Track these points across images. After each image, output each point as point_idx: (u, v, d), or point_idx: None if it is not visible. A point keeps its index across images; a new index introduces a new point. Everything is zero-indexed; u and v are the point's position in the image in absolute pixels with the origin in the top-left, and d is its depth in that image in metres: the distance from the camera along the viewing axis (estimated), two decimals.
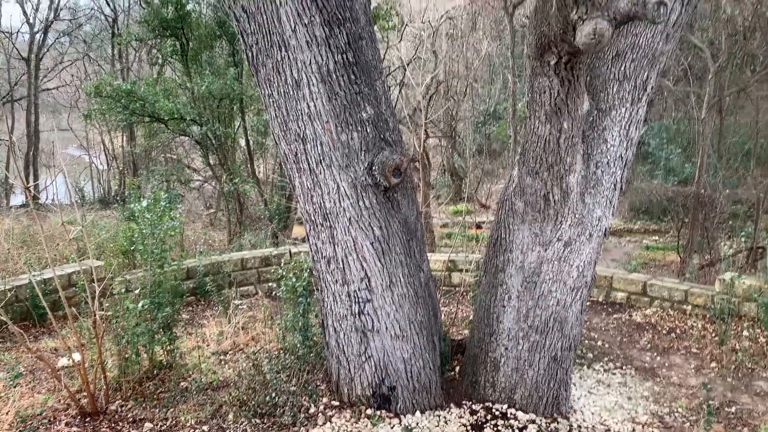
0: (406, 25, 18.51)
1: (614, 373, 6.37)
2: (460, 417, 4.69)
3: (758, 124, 16.08)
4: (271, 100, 4.13)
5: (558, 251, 4.55)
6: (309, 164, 4.15)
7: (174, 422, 4.68)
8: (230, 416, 4.69)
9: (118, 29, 19.31)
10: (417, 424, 4.58)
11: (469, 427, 4.60)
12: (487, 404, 4.86)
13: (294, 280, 6.08)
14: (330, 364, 4.84)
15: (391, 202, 4.27)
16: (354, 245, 4.26)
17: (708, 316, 7.88)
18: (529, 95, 4.03)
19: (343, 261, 4.34)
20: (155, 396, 5.10)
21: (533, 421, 4.75)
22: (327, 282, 4.52)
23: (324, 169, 4.12)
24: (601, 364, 6.58)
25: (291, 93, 3.98)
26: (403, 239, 4.38)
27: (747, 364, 6.44)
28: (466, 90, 21.07)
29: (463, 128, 23.03)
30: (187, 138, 16.74)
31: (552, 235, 4.52)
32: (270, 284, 9.36)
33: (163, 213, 5.86)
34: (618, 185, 4.59)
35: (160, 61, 16.69)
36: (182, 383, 5.38)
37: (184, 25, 13.51)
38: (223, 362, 6.13)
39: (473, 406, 4.84)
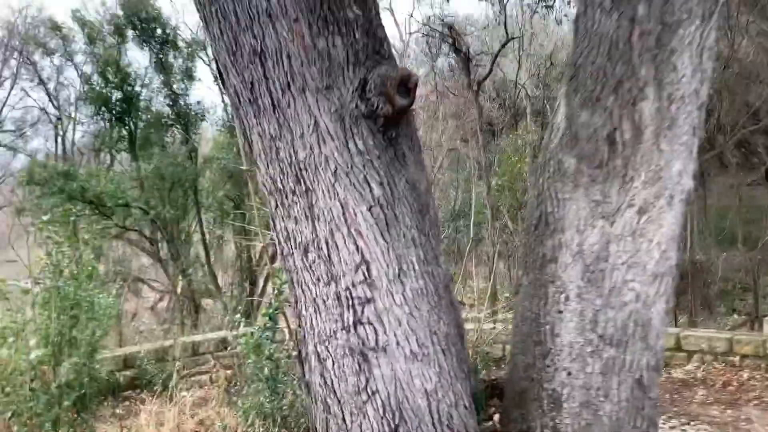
0: None
1: (684, 429, 4.87)
2: None
3: None
4: (213, 8, 2.87)
5: (630, 223, 3.21)
6: (272, 95, 2.83)
7: None
8: None
9: (62, 127, 18.21)
10: None
11: None
12: None
13: (258, 331, 4.59)
14: (314, 416, 3.23)
15: (395, 148, 2.93)
16: (343, 214, 2.85)
17: (765, 365, 6.51)
18: None
19: (327, 243, 2.90)
20: None
21: None
22: (304, 284, 3.04)
23: (294, 98, 2.79)
24: (662, 420, 5.07)
25: None
26: (414, 207, 3.00)
27: None
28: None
29: None
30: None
31: (620, 200, 3.20)
32: (228, 372, 7.64)
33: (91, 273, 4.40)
34: (696, 131, 3.38)
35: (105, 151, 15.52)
36: None
37: (131, 107, 12.45)
38: None
39: None
